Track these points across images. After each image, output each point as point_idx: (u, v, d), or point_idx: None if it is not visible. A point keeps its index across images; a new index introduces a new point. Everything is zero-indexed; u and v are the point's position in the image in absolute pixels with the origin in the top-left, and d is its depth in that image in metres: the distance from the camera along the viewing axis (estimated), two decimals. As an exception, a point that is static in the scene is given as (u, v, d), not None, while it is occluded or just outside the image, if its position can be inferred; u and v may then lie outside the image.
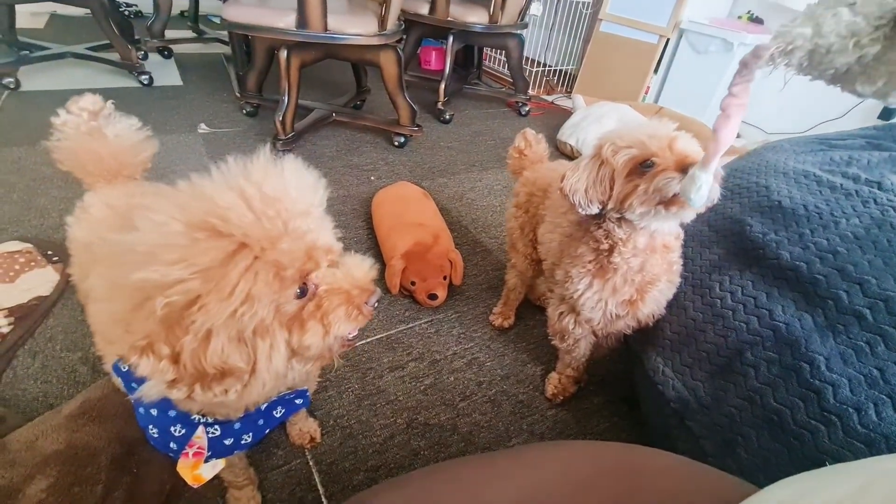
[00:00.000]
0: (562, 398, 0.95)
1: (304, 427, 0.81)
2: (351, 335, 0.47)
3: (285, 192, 0.41)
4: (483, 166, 1.89)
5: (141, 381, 0.47)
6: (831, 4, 0.36)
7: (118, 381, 0.52)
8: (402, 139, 1.89)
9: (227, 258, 0.36)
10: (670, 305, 0.80)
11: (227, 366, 0.38)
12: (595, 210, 0.68)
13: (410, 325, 1.10)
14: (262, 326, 0.39)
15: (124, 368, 0.50)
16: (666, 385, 0.73)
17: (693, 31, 2.20)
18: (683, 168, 0.59)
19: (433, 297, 1.11)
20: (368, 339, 1.04)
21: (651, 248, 0.71)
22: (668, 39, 2.26)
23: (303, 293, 0.42)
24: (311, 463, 0.80)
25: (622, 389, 0.99)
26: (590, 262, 0.74)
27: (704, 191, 0.59)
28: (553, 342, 0.91)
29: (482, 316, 1.15)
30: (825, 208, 0.72)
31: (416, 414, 0.90)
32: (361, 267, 0.47)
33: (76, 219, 0.66)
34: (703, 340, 0.71)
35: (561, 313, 0.84)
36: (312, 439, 0.82)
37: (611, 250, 0.71)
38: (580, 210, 0.69)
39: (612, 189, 0.66)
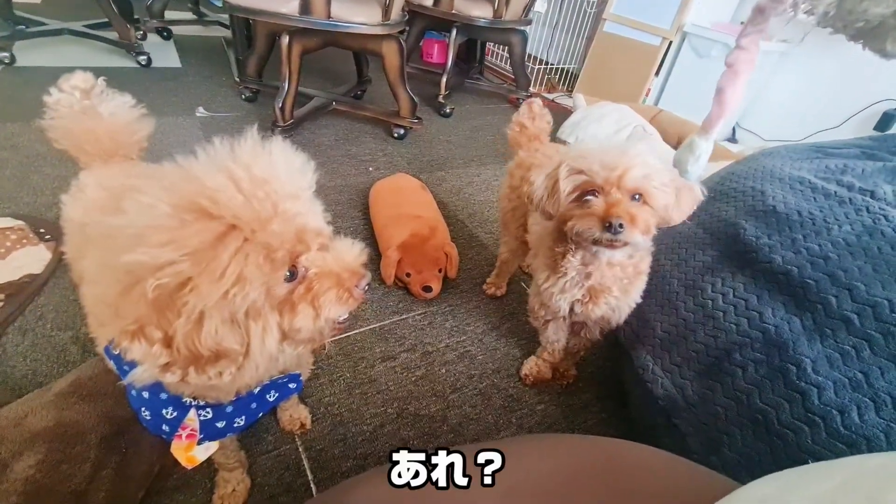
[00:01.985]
0: (533, 381, 0.97)
1: (294, 413, 0.82)
2: (342, 318, 0.47)
3: (274, 174, 0.40)
4: (481, 161, 1.89)
5: (133, 364, 0.48)
6: None
7: (111, 364, 0.52)
8: (402, 131, 1.89)
9: (216, 240, 0.36)
10: (661, 305, 0.81)
11: (221, 348, 0.37)
12: (546, 219, 0.70)
13: (404, 316, 1.10)
14: (254, 309, 0.39)
15: (116, 352, 0.50)
16: (654, 383, 0.74)
17: (696, 35, 2.21)
18: (605, 220, 0.59)
19: (428, 289, 1.11)
20: (361, 329, 1.04)
21: (597, 264, 0.72)
22: (670, 42, 2.27)
23: (293, 276, 0.42)
24: (300, 449, 0.80)
25: (610, 387, 1.00)
26: (550, 258, 0.77)
27: (703, 160, 0.57)
28: (530, 319, 0.94)
29: (475, 310, 1.16)
30: (818, 214, 0.73)
31: (406, 404, 0.91)
32: (352, 251, 0.47)
33: (71, 198, 0.65)
34: (693, 340, 0.72)
35: (534, 294, 0.88)
36: (303, 426, 0.82)
37: (564, 254, 0.73)
38: (538, 213, 0.71)
39: (558, 207, 0.66)
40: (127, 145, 0.71)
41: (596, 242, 0.63)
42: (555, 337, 0.91)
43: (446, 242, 1.20)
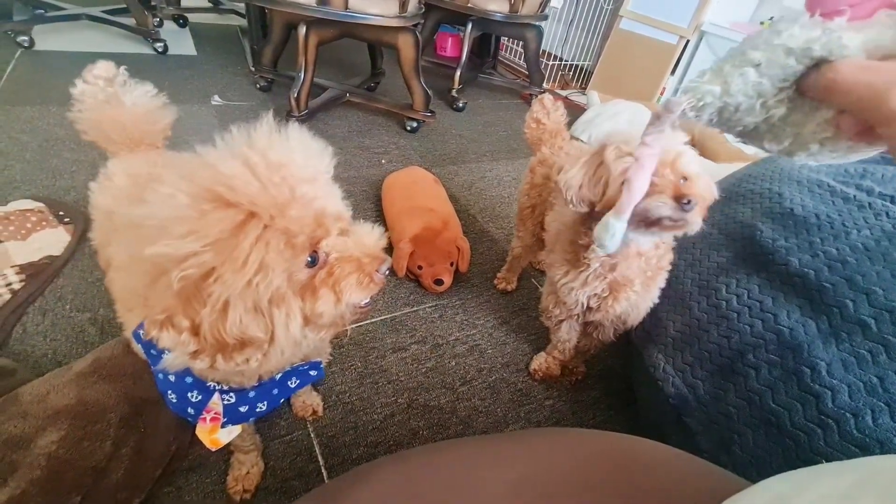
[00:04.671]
0: (542, 377, 0.98)
1: (307, 400, 0.83)
2: (363, 303, 0.47)
3: (291, 159, 0.40)
4: (494, 157, 1.89)
5: (161, 349, 0.49)
6: (738, 63, 0.35)
7: (138, 348, 0.53)
8: (415, 124, 1.89)
9: (236, 228, 0.36)
10: (675, 305, 0.81)
11: (246, 336, 0.38)
12: (584, 209, 0.68)
13: (415, 308, 1.11)
14: (277, 295, 0.39)
15: (146, 338, 0.52)
16: (666, 381, 0.74)
17: (714, 34, 2.18)
18: (678, 198, 0.58)
19: (439, 282, 1.12)
20: (373, 320, 1.05)
21: (625, 254, 0.71)
22: (687, 41, 2.24)
23: (314, 261, 0.42)
24: (312, 435, 0.81)
25: (619, 385, 1.01)
26: (570, 252, 0.76)
27: (618, 238, 0.59)
28: (542, 319, 0.94)
29: (486, 304, 1.17)
30: (837, 218, 0.72)
31: (416, 395, 0.92)
32: (372, 235, 0.47)
33: (99, 185, 0.66)
34: (706, 340, 0.72)
35: (548, 293, 0.87)
36: (315, 412, 0.83)
37: (587, 246, 0.72)
38: (570, 206, 0.69)
39: (605, 192, 0.65)
40: (152, 134, 0.72)
41: (655, 223, 0.61)
42: (567, 337, 0.91)
43: (458, 236, 1.20)
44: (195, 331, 0.37)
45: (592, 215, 0.68)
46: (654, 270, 0.73)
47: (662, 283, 0.76)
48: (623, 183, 0.56)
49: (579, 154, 0.69)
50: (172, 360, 0.41)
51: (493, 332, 1.09)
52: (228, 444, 0.71)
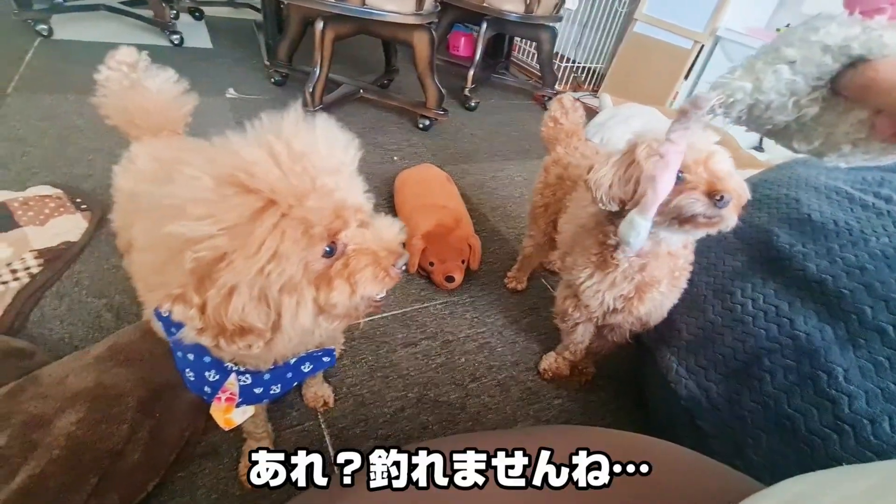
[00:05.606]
0: (551, 376, 0.98)
1: (319, 391, 0.84)
2: (379, 297, 0.47)
3: (314, 149, 0.40)
4: (505, 157, 1.89)
5: (180, 327, 0.49)
6: (771, 60, 0.34)
7: (158, 327, 0.53)
8: (427, 122, 1.89)
9: (253, 215, 0.37)
10: (688, 307, 0.81)
11: (245, 324, 0.38)
12: (614, 208, 0.68)
13: (425, 304, 1.12)
14: (290, 283, 0.39)
15: (165, 315, 0.52)
16: (679, 384, 0.74)
17: (729, 40, 2.17)
18: (712, 194, 0.58)
19: (450, 279, 1.12)
20: (384, 315, 1.06)
21: (655, 254, 0.71)
22: (702, 46, 2.24)
23: (331, 251, 0.42)
24: (323, 426, 0.82)
25: (628, 387, 1.01)
26: (595, 254, 0.75)
27: (643, 235, 0.59)
28: (555, 321, 0.93)
29: (496, 302, 1.17)
30: (856, 225, 0.72)
31: (426, 390, 0.92)
32: (391, 229, 0.47)
33: (122, 168, 0.67)
34: (720, 343, 0.72)
35: (565, 297, 0.87)
36: (326, 403, 0.84)
37: (616, 246, 0.71)
38: (600, 205, 0.69)
39: (636, 190, 0.64)
40: (174, 119, 0.73)
41: (689, 221, 0.61)
42: (581, 338, 0.90)
43: (470, 234, 1.21)
44: (203, 309, 0.37)
45: (623, 215, 0.67)
46: (681, 269, 0.73)
47: (685, 284, 0.76)
48: (650, 180, 0.56)
49: (610, 153, 0.68)
50: (184, 333, 0.41)
51: (502, 330, 1.10)
52: (241, 431, 0.72)
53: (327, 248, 0.41)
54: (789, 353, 0.63)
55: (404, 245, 0.49)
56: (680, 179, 0.60)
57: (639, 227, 0.58)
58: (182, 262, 0.36)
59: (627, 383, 1.02)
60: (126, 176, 0.66)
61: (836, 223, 0.73)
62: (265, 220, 0.37)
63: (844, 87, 0.32)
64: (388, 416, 0.86)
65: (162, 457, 0.69)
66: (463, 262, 1.16)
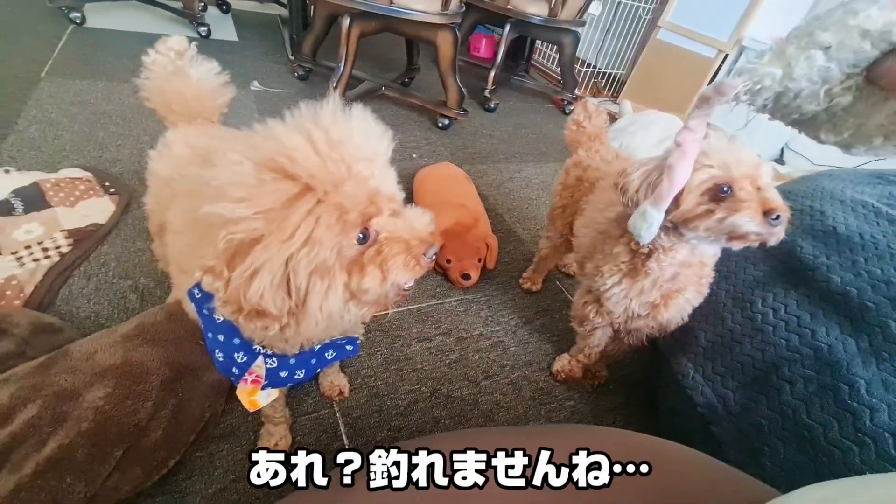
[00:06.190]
0: (564, 378, 0.98)
1: (335, 380, 0.85)
2: (407, 285, 0.47)
3: (351, 137, 0.41)
4: (523, 159, 1.89)
5: (211, 308, 0.51)
6: (804, 45, 0.32)
7: (191, 308, 0.55)
8: (447, 121, 1.90)
9: (289, 201, 0.38)
10: (706, 315, 0.81)
11: (260, 307, 0.39)
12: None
13: (441, 301, 1.12)
14: (323, 267, 0.40)
15: (198, 295, 0.54)
16: (695, 390, 0.74)
17: (754, 50, 2.16)
18: (768, 212, 0.57)
19: (466, 277, 1.13)
20: (399, 309, 1.07)
21: (688, 263, 0.71)
22: (726, 55, 2.22)
23: (364, 238, 0.43)
24: (338, 414, 0.83)
25: (641, 393, 1.01)
26: (624, 262, 0.75)
27: (655, 228, 0.58)
28: (572, 324, 0.93)
29: (510, 302, 1.17)
30: (882, 239, 0.71)
31: (439, 385, 0.93)
32: (422, 219, 0.48)
33: (158, 154, 0.69)
34: (738, 351, 0.72)
35: (585, 302, 0.87)
36: (341, 392, 0.85)
37: (649, 255, 0.71)
38: (627, 210, 0.68)
39: (676, 201, 0.63)
40: (210, 108, 0.75)
41: (739, 237, 0.60)
42: (597, 343, 0.90)
43: (488, 233, 1.21)
44: (227, 284, 0.39)
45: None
46: (708, 276, 0.73)
47: (707, 290, 0.76)
48: (668, 169, 0.55)
49: (646, 160, 0.67)
50: (214, 304, 0.42)
51: (516, 330, 1.10)
52: (259, 415, 0.73)
53: (360, 235, 0.42)
54: (810, 363, 0.63)
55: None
56: (726, 193, 0.59)
57: (651, 219, 0.57)
58: (216, 240, 0.38)
59: (640, 388, 1.01)
60: (162, 161, 0.67)
61: (861, 236, 0.73)
62: (300, 206, 0.38)
63: (882, 75, 0.31)
64: (402, 408, 0.87)
65: (182, 436, 0.70)
66: (479, 260, 1.17)
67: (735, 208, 0.58)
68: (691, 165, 0.57)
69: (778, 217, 0.57)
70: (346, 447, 0.79)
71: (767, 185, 0.60)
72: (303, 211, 0.38)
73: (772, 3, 2.08)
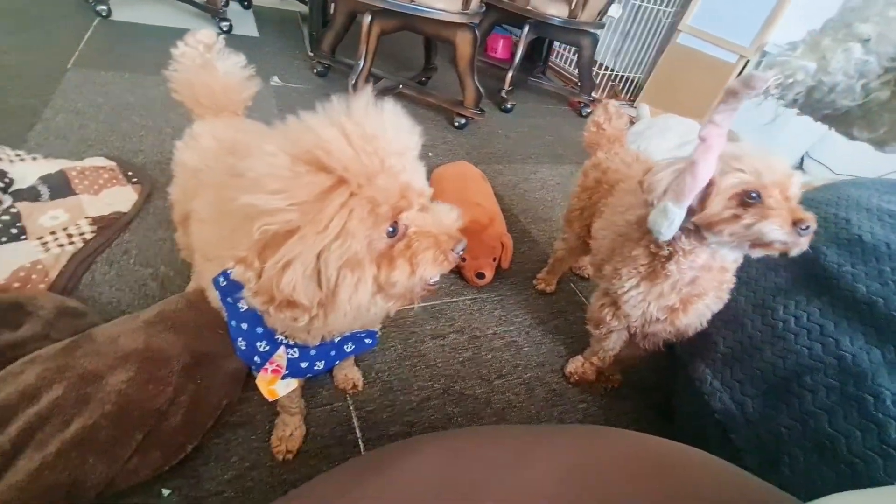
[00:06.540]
0: (577, 380, 0.98)
1: (349, 374, 0.85)
2: (433, 280, 0.48)
3: (383, 131, 0.42)
4: (538, 160, 1.89)
5: (235, 297, 0.51)
6: (841, 37, 0.31)
7: (215, 296, 0.56)
8: (463, 121, 1.91)
9: (323, 193, 0.38)
10: (726, 321, 0.80)
11: (292, 298, 0.40)
12: None
13: (455, 299, 1.13)
14: (354, 259, 0.40)
15: (223, 284, 0.54)
16: (712, 396, 0.73)
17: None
18: (797, 222, 0.56)
19: (481, 275, 1.13)
20: (413, 305, 1.07)
21: (708, 267, 0.70)
22: (748, 60, 2.19)
23: (393, 231, 0.43)
24: (351, 407, 0.84)
25: (655, 398, 1.00)
26: (643, 264, 0.74)
27: (676, 225, 0.56)
28: (588, 327, 0.93)
29: (524, 303, 1.17)
30: (910, 249, 0.70)
31: (452, 382, 0.93)
32: (450, 215, 0.48)
33: (185, 145, 0.70)
34: (759, 359, 0.71)
35: (602, 305, 0.86)
36: (355, 386, 0.86)
37: (669, 257, 0.70)
38: (650, 208, 0.67)
39: (701, 203, 0.62)
40: (236, 102, 0.76)
41: (764, 245, 0.60)
42: (613, 346, 0.90)
43: (503, 233, 1.21)
44: (259, 275, 0.39)
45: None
46: (728, 283, 0.73)
47: (728, 296, 0.75)
48: (691, 164, 0.54)
49: (675, 159, 0.67)
50: (244, 294, 0.43)
51: (529, 330, 1.10)
52: (275, 405, 0.74)
53: (390, 228, 0.42)
54: (833, 372, 0.62)
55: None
56: (754, 199, 0.58)
57: (672, 216, 0.56)
58: (251, 230, 0.38)
59: (654, 393, 1.01)
60: (189, 152, 0.68)
61: (888, 245, 0.71)
62: (334, 199, 0.38)
63: None
64: (415, 404, 0.87)
65: (201, 421, 0.71)
66: (494, 260, 1.17)
67: (764, 215, 0.57)
68: (715, 161, 0.56)
69: (807, 227, 0.56)
70: (359, 440, 0.80)
71: (795, 196, 0.59)
72: (337, 203, 0.38)
73: (796, 9, 2.05)
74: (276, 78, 1.90)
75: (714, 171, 0.57)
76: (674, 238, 0.69)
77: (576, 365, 0.99)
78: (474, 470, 0.44)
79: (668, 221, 0.60)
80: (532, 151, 1.94)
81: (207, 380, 0.74)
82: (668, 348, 0.89)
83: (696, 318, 0.74)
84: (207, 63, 0.72)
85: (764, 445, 0.64)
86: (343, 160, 0.39)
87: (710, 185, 0.61)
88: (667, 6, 2.48)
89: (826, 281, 0.72)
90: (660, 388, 1.01)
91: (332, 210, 0.38)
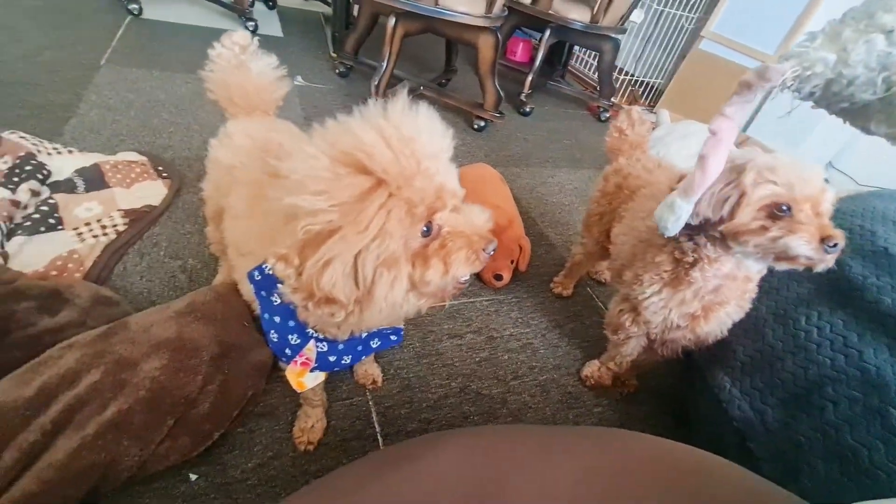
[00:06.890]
0: (593, 384, 0.98)
1: (369, 369, 0.87)
2: (464, 278, 0.49)
3: (419, 134, 0.43)
4: (556, 164, 1.89)
5: (269, 291, 0.53)
6: (863, 28, 0.30)
7: (249, 289, 0.58)
8: (483, 123, 1.92)
9: (363, 195, 0.40)
10: (746, 329, 0.80)
11: (331, 295, 0.42)
12: (693, 222, 0.66)
13: (472, 299, 1.14)
14: (391, 258, 0.42)
15: (258, 278, 0.57)
16: (731, 404, 0.73)
17: (801, 64, 2.10)
18: (825, 239, 0.56)
19: (498, 277, 1.14)
20: (444, 303, 1.09)
21: (732, 276, 0.70)
22: (771, 68, 2.17)
23: (428, 231, 0.44)
24: (370, 403, 0.86)
25: (671, 404, 1.00)
26: (666, 271, 0.74)
27: (683, 220, 0.55)
28: (605, 332, 0.93)
29: (540, 306, 1.18)
30: (937, 263, 0.70)
31: (469, 381, 0.94)
32: (482, 216, 0.49)
33: (219, 143, 0.73)
34: (779, 368, 0.71)
35: (621, 310, 0.86)
36: (374, 381, 0.87)
37: (693, 264, 0.70)
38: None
39: (733, 214, 0.62)
40: (268, 101, 0.78)
41: (790, 259, 0.59)
42: (630, 352, 0.90)
43: (521, 235, 1.22)
44: (300, 272, 0.41)
45: (705, 230, 0.66)
46: (752, 291, 0.73)
47: (749, 305, 0.75)
48: (700, 159, 0.54)
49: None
50: (283, 289, 0.45)
51: (546, 333, 1.11)
52: (298, 397, 0.76)
53: (424, 228, 0.44)
54: (856, 384, 0.62)
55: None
56: (784, 212, 0.58)
57: (679, 211, 0.56)
58: (293, 229, 0.40)
59: (670, 402, 1.01)
60: (223, 150, 0.71)
61: (915, 259, 0.71)
62: (374, 200, 0.40)
63: None
64: (432, 401, 0.89)
65: (227, 410, 0.74)
66: (512, 262, 1.18)
67: (792, 229, 0.57)
68: (726, 155, 0.55)
69: (835, 245, 0.56)
70: (378, 434, 0.81)
71: (827, 212, 0.59)
72: (376, 205, 0.40)
73: (823, 17, 2.02)
74: (299, 77, 1.94)
75: (722, 165, 0.57)
76: (699, 245, 0.69)
77: (592, 369, 0.99)
78: (493, 468, 0.45)
79: (675, 216, 0.59)
80: (550, 155, 1.94)
81: (234, 370, 0.76)
82: (686, 355, 0.90)
83: (717, 326, 0.74)
84: (242, 64, 0.75)
85: (783, 455, 0.64)
86: (382, 162, 0.40)
87: (742, 195, 0.60)
88: (690, 12, 2.46)
89: (850, 292, 0.72)
90: (676, 394, 1.01)
91: (372, 211, 0.40)
